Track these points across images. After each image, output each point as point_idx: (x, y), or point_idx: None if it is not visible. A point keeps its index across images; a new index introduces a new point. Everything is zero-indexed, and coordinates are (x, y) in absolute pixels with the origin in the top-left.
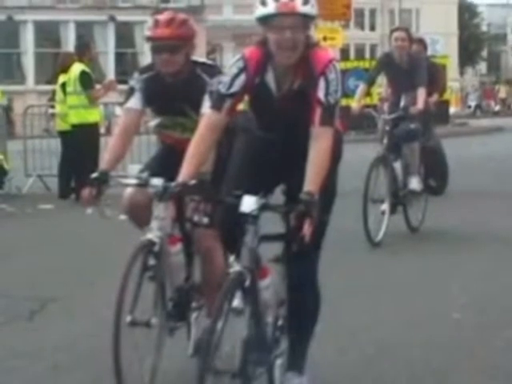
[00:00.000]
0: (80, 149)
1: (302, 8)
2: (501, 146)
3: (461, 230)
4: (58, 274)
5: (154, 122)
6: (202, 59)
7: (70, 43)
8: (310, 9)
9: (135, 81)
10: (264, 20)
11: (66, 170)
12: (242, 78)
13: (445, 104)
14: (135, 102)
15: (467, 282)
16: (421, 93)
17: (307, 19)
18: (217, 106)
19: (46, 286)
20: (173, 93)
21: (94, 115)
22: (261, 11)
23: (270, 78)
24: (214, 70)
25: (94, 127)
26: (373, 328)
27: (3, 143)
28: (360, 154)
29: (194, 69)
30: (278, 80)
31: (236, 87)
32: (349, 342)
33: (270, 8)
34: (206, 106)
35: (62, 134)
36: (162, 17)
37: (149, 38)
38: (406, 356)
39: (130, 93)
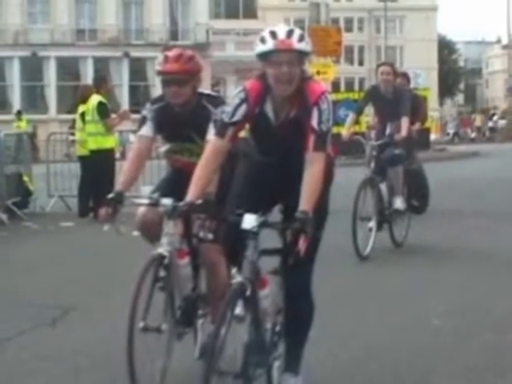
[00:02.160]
0: (97, 172)
1: (297, 45)
2: (477, 169)
3: (440, 246)
4: (78, 284)
5: (164, 148)
6: (207, 91)
7: (88, 77)
8: (305, 46)
9: (147, 111)
10: (263, 56)
11: (85, 191)
12: (244, 108)
13: (426, 131)
14: (147, 129)
15: (446, 292)
16: (404, 121)
17: (302, 55)
18: (221, 133)
19: (67, 296)
20: (181, 121)
21: (110, 142)
22: (260, 48)
23: (268, 108)
24: (217, 101)
25: (110, 152)
26: (361, 333)
27: (28, 167)
28: (350, 176)
29: (200, 100)
30: (275, 110)
31: (238, 116)
32: (339, 346)
33: (269, 45)
34: (211, 134)
35: (82, 159)
36: (172, 53)
37: (159, 72)
38: (392, 359)
39: (143, 121)
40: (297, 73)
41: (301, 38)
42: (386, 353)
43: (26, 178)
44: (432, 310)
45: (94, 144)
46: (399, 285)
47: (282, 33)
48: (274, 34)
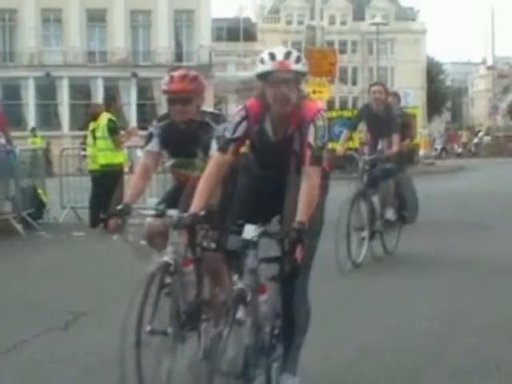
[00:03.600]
0: (107, 185)
1: (294, 66)
2: (463, 182)
3: (429, 254)
4: (89, 291)
5: (169, 162)
6: (210, 109)
7: (98, 96)
8: (302, 66)
9: (153, 127)
10: (262, 76)
11: (96, 203)
12: (244, 125)
13: (415, 147)
14: (153, 145)
15: (434, 298)
16: (395, 138)
17: (299, 75)
18: (223, 148)
19: (79, 302)
20: (185, 137)
21: (119, 157)
22: (260, 68)
23: (267, 125)
24: (220, 119)
25: (119, 167)
26: (354, 336)
27: (42, 180)
28: (344, 189)
29: (204, 117)
30: (274, 127)
31: (239, 133)
32: (334, 348)
33: (268, 66)
34: (214, 149)
35: (92, 173)
36: (177, 73)
37: (165, 92)
38: (383, 360)
39: (149, 138)
40: (294, 92)
41: (298, 60)
42: (378, 354)
43: (40, 191)
44: (421, 314)
45: (104, 159)
46: (390, 291)
47: (280, 54)
48: (272, 56)
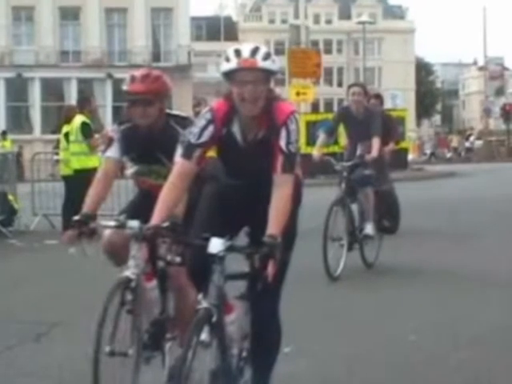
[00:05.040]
0: (81, 191)
1: (262, 63)
2: (453, 189)
3: (413, 265)
4: (62, 301)
5: (131, 170)
6: (176, 112)
7: (72, 97)
8: (271, 64)
9: (114, 132)
10: (228, 75)
11: (69, 209)
12: (210, 129)
13: (404, 151)
14: (114, 151)
15: (419, 311)
16: (375, 142)
17: (268, 74)
18: (187, 155)
19: (51, 312)
20: (148, 143)
21: (93, 161)
22: (224, 66)
23: (236, 128)
24: (186, 122)
25: (93, 172)
26: (338, 353)
27: (13, 186)
28: (327, 195)
29: (168, 121)
30: (243, 130)
31: (205, 137)
32: (317, 366)
33: (233, 64)
34: (178, 155)
35: (66, 178)
36: (138, 73)
37: (125, 92)
38: (368, 375)
39: (109, 143)
40: (262, 92)
41: (266, 57)
42: (366, 370)
43: (10, 197)
44: (407, 328)
45: (77, 163)
46: (372, 304)
47: (246, 51)
48: (238, 53)
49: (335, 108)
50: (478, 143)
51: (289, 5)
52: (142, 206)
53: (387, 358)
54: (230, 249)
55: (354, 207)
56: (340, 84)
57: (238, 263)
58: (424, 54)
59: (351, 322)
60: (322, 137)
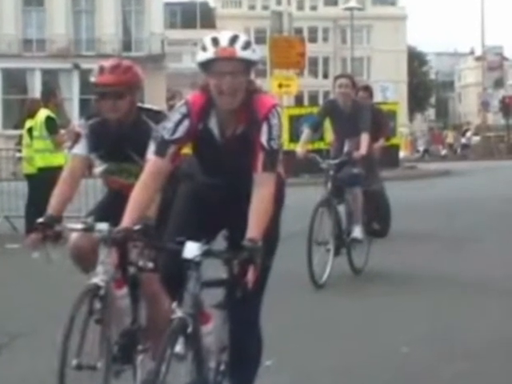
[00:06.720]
0: (46, 191)
1: (241, 53)
2: (448, 189)
3: (403, 271)
4: (25, 310)
5: (100, 168)
6: (148, 105)
7: (36, 90)
8: (251, 54)
9: (81, 127)
10: (204, 65)
11: (33, 211)
12: (186, 123)
13: (395, 148)
14: (81, 147)
15: (411, 320)
16: (364, 138)
17: (248, 64)
18: (160, 152)
19: (13, 322)
20: (118, 139)
21: (58, 159)
22: (201, 56)
23: (213, 123)
24: (159, 117)
25: (58, 170)
26: (327, 366)
27: None
28: (312, 195)
29: (140, 115)
30: (221, 125)
31: (179, 133)
32: (303, 375)
33: (210, 53)
34: (151, 152)
35: (29, 177)
36: (107, 63)
37: (94, 84)
38: None
39: (76, 139)
40: (242, 84)
41: (246, 46)
42: (352, 382)
43: None
44: (399, 338)
45: (41, 161)
46: (360, 313)
47: (224, 40)
48: (215, 41)
49: (320, 101)
50: (475, 139)
51: None
52: (111, 208)
53: (377, 371)
54: (206, 253)
55: (341, 208)
56: (326, 75)
57: (216, 269)
58: (417, 43)
59: (338, 333)
60: (306, 132)
